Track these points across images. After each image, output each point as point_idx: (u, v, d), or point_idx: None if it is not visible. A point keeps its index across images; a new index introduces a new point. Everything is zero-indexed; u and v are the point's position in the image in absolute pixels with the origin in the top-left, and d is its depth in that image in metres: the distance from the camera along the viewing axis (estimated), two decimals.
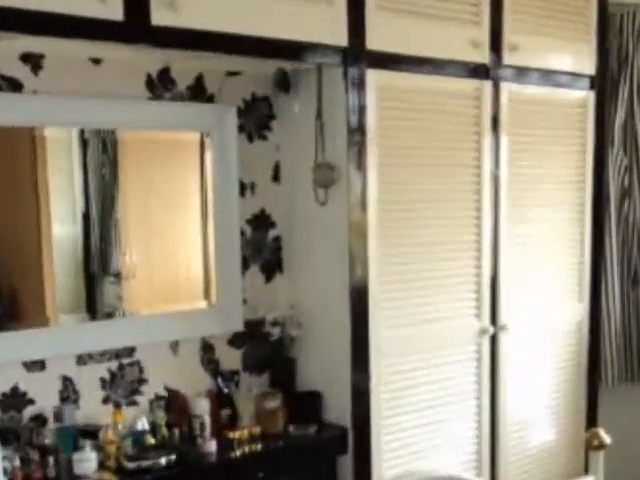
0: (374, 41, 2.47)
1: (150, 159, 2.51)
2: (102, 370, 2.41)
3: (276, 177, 2.74)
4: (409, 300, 2.66)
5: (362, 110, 2.48)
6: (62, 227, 2.38)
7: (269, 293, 2.74)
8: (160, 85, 2.47)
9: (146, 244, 2.53)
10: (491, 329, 2.89)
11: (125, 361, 2.46)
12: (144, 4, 2.02)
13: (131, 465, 2.22)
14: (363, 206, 2.51)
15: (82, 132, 2.38)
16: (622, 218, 3.43)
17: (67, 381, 2.35)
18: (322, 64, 2.47)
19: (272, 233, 2.76)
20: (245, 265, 2.68)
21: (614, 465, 2.63)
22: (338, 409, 2.60)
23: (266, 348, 2.71)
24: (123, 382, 2.45)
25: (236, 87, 2.61)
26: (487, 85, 2.79)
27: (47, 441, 2.21)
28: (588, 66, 3.10)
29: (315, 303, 2.66)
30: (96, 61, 2.33)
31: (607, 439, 2.36)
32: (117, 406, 2.38)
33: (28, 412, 2.28)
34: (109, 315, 2.50)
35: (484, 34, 2.75)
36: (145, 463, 2.22)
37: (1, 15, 1.82)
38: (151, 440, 2.33)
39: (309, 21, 2.34)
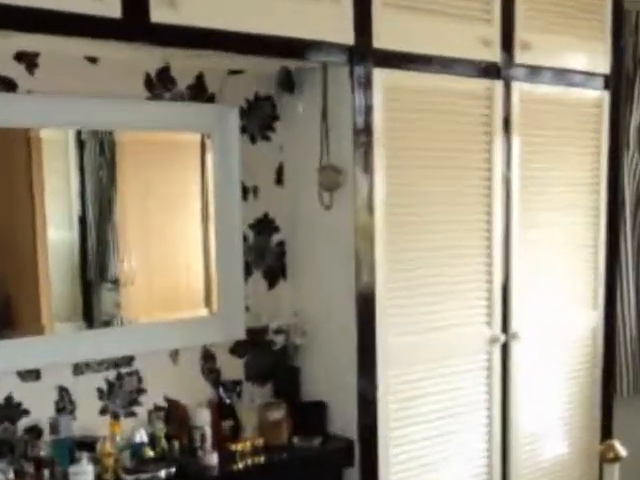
0: (381, 39, 2.46)
1: (149, 161, 2.50)
2: (99, 380, 2.40)
3: (279, 180, 2.73)
4: (417, 307, 2.65)
5: (369, 110, 2.46)
6: (58, 231, 2.37)
7: (272, 300, 2.73)
8: (159, 84, 2.45)
9: (145, 249, 2.51)
10: (502, 337, 2.87)
11: (123, 370, 2.44)
12: (143, 1, 2.00)
13: (129, 478, 2.20)
14: (370, 210, 2.49)
15: (79, 133, 2.37)
16: (637, 222, 3.43)
17: (63, 391, 2.33)
18: (327, 63, 2.46)
19: (275, 238, 2.74)
20: (247, 271, 2.67)
21: (630, 479, 2.60)
22: (344, 420, 2.58)
23: (269, 357, 2.70)
24: (121, 392, 2.43)
25: (238, 86, 2.60)
26: (498, 85, 2.78)
27: (42, 453, 2.19)
28: (602, 65, 3.08)
29: (320, 310, 2.64)
30: (93, 60, 2.32)
31: (623, 451, 2.31)
32: (115, 417, 2.36)
33: (23, 423, 2.26)
34: (107, 323, 2.49)
35: (495, 32, 2.73)
36: (144, 476, 2.20)
37: None
38: (150, 452, 2.31)
39: (314, 18, 2.32)
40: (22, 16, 1.83)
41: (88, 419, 2.35)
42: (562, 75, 2.95)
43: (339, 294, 2.54)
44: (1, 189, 2.23)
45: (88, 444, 2.24)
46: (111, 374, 2.40)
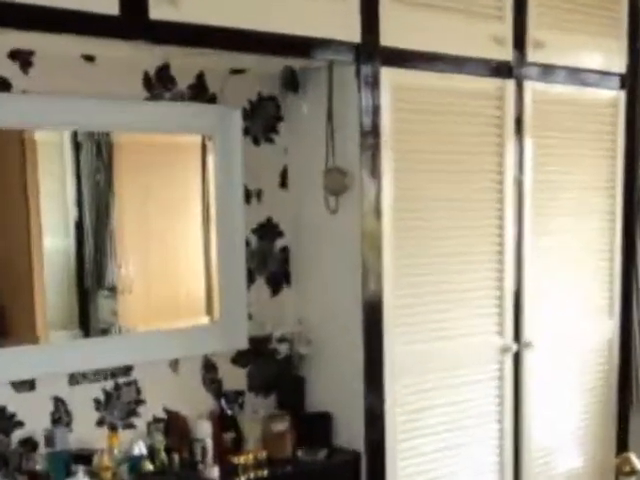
0: (389, 37, 2.45)
1: (148, 164, 2.48)
2: (96, 390, 2.38)
3: (284, 183, 2.71)
4: (426, 315, 2.64)
5: (376, 111, 2.45)
6: (53, 237, 2.36)
7: (276, 307, 2.71)
8: (158, 84, 2.44)
9: (144, 256, 2.49)
10: (514, 346, 2.85)
11: (121, 381, 2.41)
12: None
13: None
14: (377, 214, 2.47)
15: (75, 135, 2.36)
16: None
17: (59, 402, 2.31)
18: (333, 61, 2.44)
19: (279, 243, 2.72)
20: (250, 278, 2.66)
21: None
22: (350, 432, 2.55)
23: (273, 367, 2.68)
24: (119, 403, 2.41)
25: (241, 86, 2.59)
26: (510, 84, 2.76)
27: (37, 467, 2.18)
28: (618, 64, 3.07)
29: (325, 318, 2.62)
30: (90, 58, 2.30)
31: (639, 465, 2.30)
32: (113, 429, 2.35)
33: (17, 435, 2.24)
34: (104, 332, 2.47)
35: (507, 29, 2.71)
36: None
37: None
38: (149, 466, 2.29)
39: (319, 15, 2.31)
40: (16, 13, 1.81)
41: (85, 431, 2.33)
42: (576, 74, 2.94)
43: (345, 301, 2.53)
44: None
45: (85, 457, 2.23)
46: (108, 384, 2.39)
